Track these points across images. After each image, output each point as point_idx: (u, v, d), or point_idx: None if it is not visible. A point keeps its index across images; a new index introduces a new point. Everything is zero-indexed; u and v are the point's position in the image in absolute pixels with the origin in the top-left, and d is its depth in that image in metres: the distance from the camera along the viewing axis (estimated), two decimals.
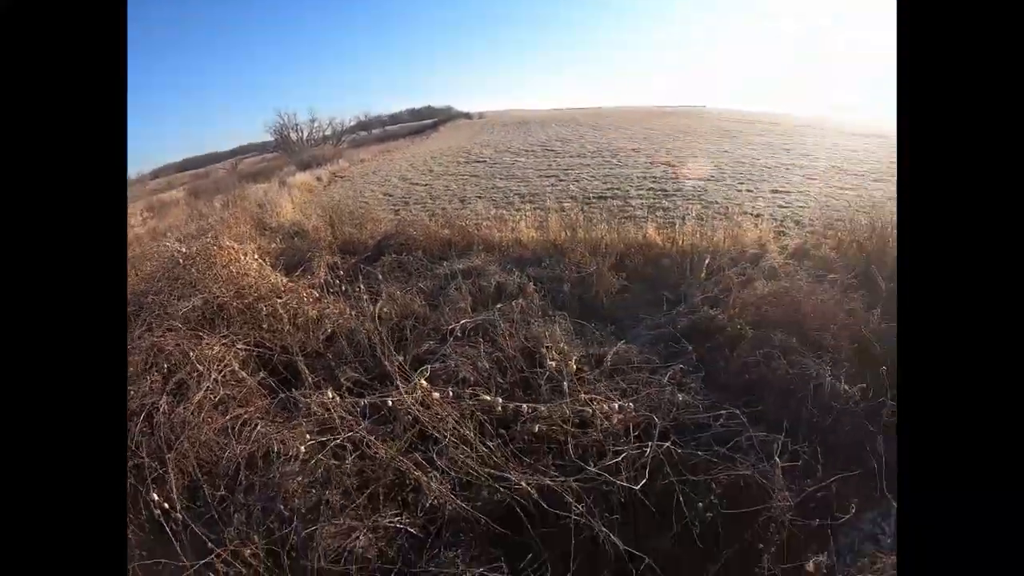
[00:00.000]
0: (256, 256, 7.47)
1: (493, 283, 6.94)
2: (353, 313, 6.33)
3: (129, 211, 38.71)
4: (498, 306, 6.00)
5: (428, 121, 70.69)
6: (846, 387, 4.39)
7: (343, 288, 7.36)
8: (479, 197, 15.37)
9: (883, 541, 3.58)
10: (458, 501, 3.69)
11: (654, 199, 12.95)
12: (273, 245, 12.14)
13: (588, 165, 19.52)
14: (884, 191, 12.43)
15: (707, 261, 7.08)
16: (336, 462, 3.93)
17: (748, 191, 13.48)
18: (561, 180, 16.49)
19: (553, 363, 4.69)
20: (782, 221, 10.20)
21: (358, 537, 3.55)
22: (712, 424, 4.20)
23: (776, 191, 13.48)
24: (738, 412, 4.16)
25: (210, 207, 23.93)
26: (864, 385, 4.30)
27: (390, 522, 3.64)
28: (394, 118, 77.64)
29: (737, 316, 5.74)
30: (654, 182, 15.38)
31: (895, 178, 1.78)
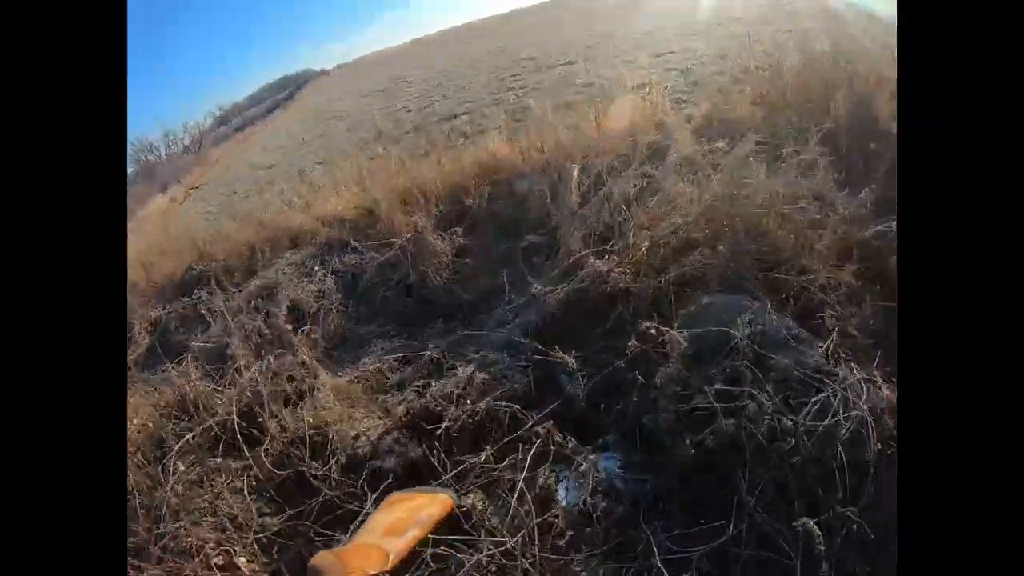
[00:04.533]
0: None
1: (284, 307, 4.53)
2: None
3: None
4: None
5: (284, 93, 65.23)
6: None
7: None
8: (319, 163, 12.61)
9: None
10: None
11: (515, 101, 10.38)
12: None
13: (441, 85, 16.71)
14: (784, 30, 9.80)
15: (575, 173, 4.31)
16: None
17: (626, 61, 10.90)
18: (408, 111, 13.75)
19: None
20: (674, 87, 7.82)
21: None
22: None
23: (658, 55, 11.00)
24: None
25: None
26: None
27: None
28: (252, 99, 71.95)
29: (646, 267, 3.24)
30: (514, 80, 12.82)
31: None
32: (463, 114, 10.80)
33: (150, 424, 3.88)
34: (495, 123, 8.94)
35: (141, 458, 3.49)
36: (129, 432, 3.74)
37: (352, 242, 4.96)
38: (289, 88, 65.90)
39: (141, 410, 3.97)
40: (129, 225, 21.13)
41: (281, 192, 11.08)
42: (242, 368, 3.94)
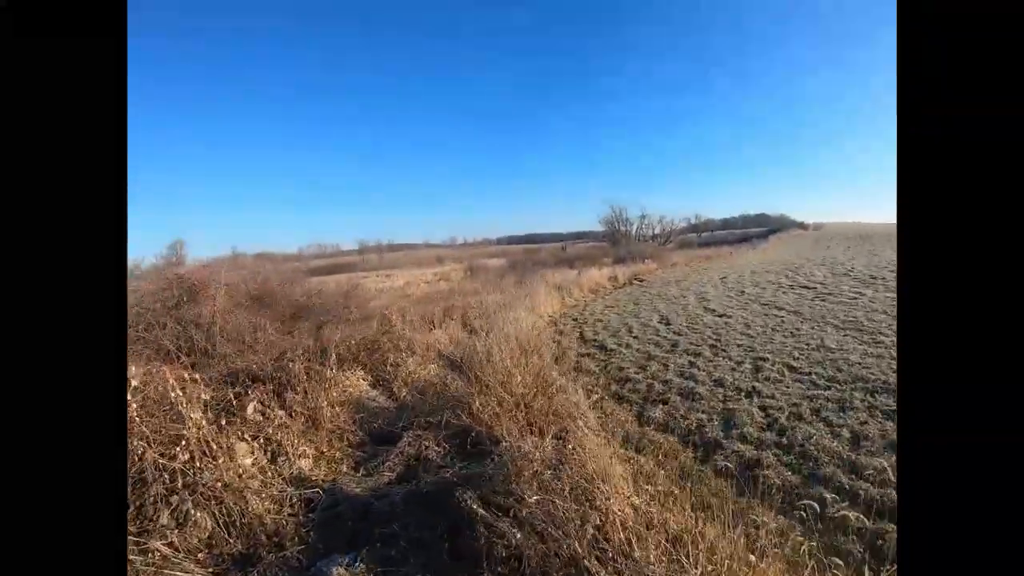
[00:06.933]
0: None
1: None
2: None
3: (450, 268, 39.58)
4: None
5: (759, 229, 61.99)
6: None
7: None
8: (790, 368, 8.33)
9: None
10: None
11: None
12: (424, 372, 8.24)
13: None
14: None
15: None
16: None
17: None
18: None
19: None
20: None
21: None
22: None
23: None
24: None
25: (494, 285, 20.84)
26: None
27: None
28: (726, 223, 71.10)
29: None
30: None
31: None
32: None
33: None
34: None
35: None
36: None
37: None
38: (767, 228, 62.67)
39: None
40: (550, 290, 19.98)
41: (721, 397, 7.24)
42: None
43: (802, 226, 65.30)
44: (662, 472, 5.40)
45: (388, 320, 10.55)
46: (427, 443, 5.69)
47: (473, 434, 5.69)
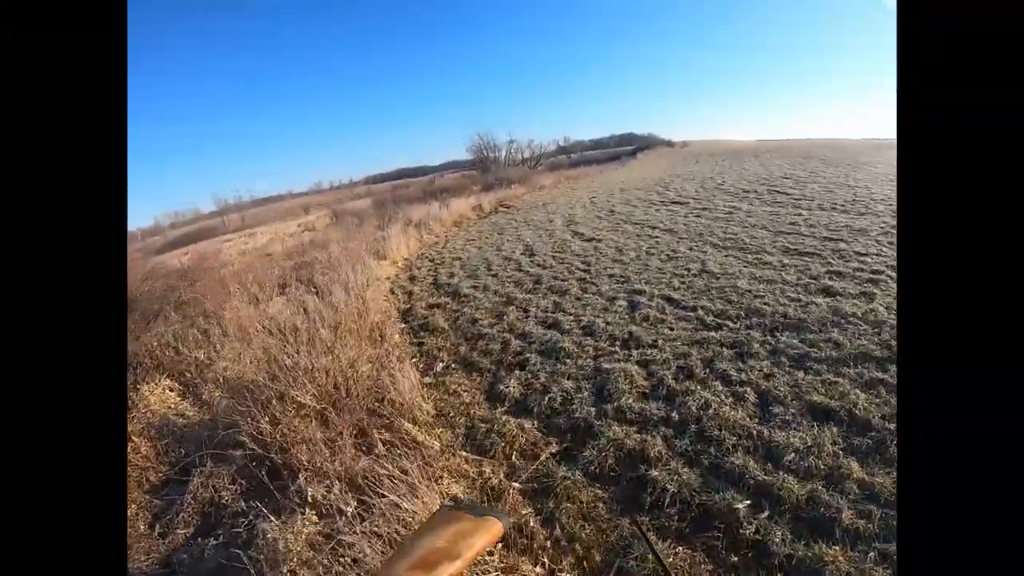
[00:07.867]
0: None
1: None
2: None
3: (315, 217, 36.28)
4: None
5: (627, 148, 62.01)
6: None
7: None
8: (670, 301, 6.91)
9: None
10: None
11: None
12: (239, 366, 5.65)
13: (864, 229, 9.95)
14: None
15: None
16: None
17: None
18: (830, 260, 7.43)
19: None
20: None
21: None
22: None
23: None
24: None
25: (356, 230, 18.62)
26: None
27: None
28: (596, 144, 70.69)
29: None
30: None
31: None
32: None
33: None
34: None
35: None
36: None
37: None
38: (635, 146, 62.81)
39: None
40: (407, 228, 17.77)
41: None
42: None
43: (669, 144, 65.72)
44: (515, 487, 3.73)
45: (200, 302, 8.31)
46: (220, 481, 3.88)
47: (268, 463, 3.88)
